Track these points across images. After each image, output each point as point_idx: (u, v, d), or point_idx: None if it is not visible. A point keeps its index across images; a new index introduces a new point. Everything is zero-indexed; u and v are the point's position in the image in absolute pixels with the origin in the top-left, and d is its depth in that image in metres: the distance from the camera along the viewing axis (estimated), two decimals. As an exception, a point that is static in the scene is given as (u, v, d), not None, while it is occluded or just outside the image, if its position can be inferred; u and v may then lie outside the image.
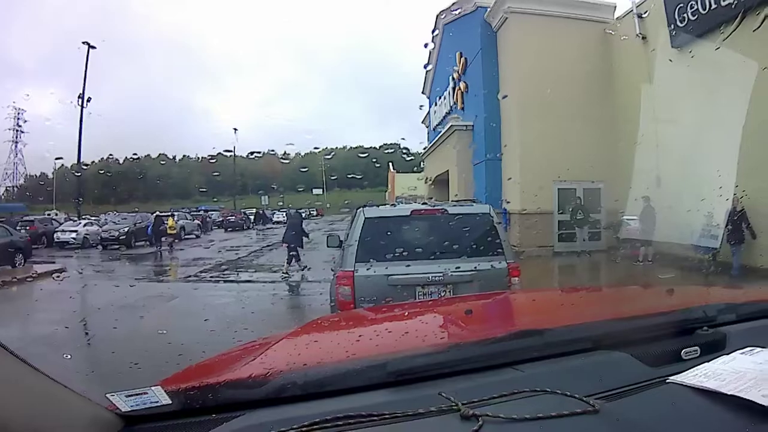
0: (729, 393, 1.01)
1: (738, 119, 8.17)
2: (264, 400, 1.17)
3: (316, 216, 75.88)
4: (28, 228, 29.06)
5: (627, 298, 2.51)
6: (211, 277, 18.41)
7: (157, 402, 1.17)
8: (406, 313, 2.55)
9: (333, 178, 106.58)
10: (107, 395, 1.17)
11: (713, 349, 1.32)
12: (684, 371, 1.16)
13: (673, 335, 1.39)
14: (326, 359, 1.42)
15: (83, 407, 1.09)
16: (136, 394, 1.18)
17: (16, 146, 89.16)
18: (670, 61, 12.57)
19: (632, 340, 1.34)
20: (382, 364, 1.25)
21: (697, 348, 1.33)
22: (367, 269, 6.08)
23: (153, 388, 1.20)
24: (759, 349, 1.22)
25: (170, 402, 1.18)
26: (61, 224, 33.55)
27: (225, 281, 17.52)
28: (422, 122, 40.66)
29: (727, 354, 1.24)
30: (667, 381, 1.13)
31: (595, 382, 1.13)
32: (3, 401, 0.86)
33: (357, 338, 1.98)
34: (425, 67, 33.94)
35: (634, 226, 14.05)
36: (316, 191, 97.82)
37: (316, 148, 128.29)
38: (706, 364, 1.20)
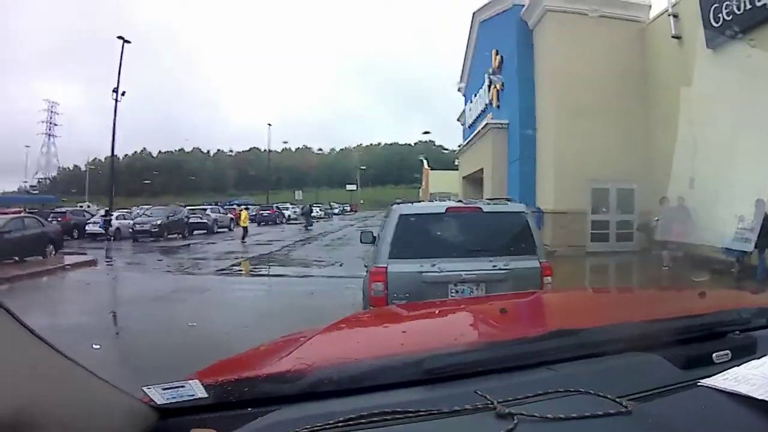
0: (760, 398, 1.01)
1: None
2: (299, 395, 1.18)
3: (350, 212, 75.73)
4: (60, 219, 29.18)
5: (659, 300, 2.52)
6: (248, 269, 18.65)
7: (193, 395, 1.18)
8: (440, 311, 2.57)
9: (367, 174, 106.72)
10: (143, 388, 1.19)
11: (744, 353, 1.32)
12: (715, 374, 1.15)
13: (704, 338, 1.40)
14: (361, 355, 1.42)
15: (119, 400, 1.09)
16: (173, 388, 1.19)
17: (49, 139, 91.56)
18: (706, 62, 12.43)
19: (664, 343, 1.36)
20: (418, 361, 1.26)
21: (728, 352, 1.33)
22: (401, 265, 6.07)
23: (190, 381, 1.22)
24: None
25: (206, 395, 1.19)
26: (93, 216, 33.80)
27: (257, 275, 17.68)
28: (458, 120, 40.59)
29: (758, 358, 1.23)
30: (699, 384, 1.12)
31: (627, 384, 1.14)
32: (40, 393, 0.86)
33: (392, 335, 1.99)
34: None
35: (667, 228, 13.93)
36: (350, 187, 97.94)
37: (350, 144, 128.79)
38: (736, 368, 1.18)
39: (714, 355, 1.32)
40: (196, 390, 1.18)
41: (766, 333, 1.47)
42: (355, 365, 1.28)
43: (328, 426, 0.96)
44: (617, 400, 1.02)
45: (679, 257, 13.71)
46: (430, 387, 1.20)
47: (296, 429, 0.96)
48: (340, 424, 0.96)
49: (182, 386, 1.19)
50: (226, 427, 1.04)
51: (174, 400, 1.17)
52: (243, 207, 40.92)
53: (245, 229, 29.74)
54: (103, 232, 30.47)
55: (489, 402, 1.03)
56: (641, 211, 17.61)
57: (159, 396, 1.16)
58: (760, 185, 9.14)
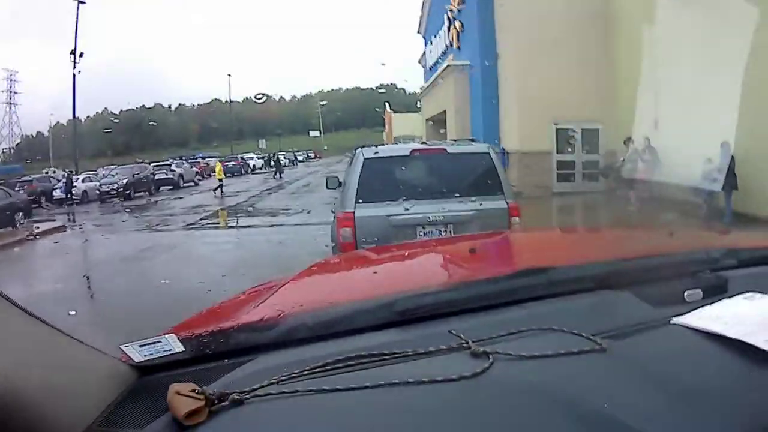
0: (732, 336, 1.02)
1: (739, 63, 8.06)
2: (275, 343, 1.18)
3: (314, 159, 75.35)
4: (26, 187, 28.77)
5: (628, 239, 2.51)
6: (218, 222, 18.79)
7: (170, 350, 1.18)
8: (410, 253, 2.56)
9: (329, 119, 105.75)
10: (120, 346, 1.18)
11: (715, 292, 1.32)
12: (686, 313, 1.16)
13: (675, 277, 1.40)
14: (334, 300, 1.43)
15: (98, 361, 1.10)
16: (150, 344, 1.18)
17: (11, 108, 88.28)
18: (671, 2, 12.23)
19: (635, 281, 1.36)
20: (390, 303, 1.26)
21: (699, 290, 1.33)
22: (368, 210, 6.08)
23: (166, 336, 1.21)
24: (760, 295, 1.23)
25: (183, 349, 1.19)
26: (59, 181, 33.24)
27: (226, 227, 17.95)
28: (418, 62, 40.04)
29: (729, 298, 1.24)
30: (671, 322, 1.14)
31: (600, 321, 1.14)
32: (19, 358, 0.87)
33: (363, 278, 2.00)
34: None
35: (633, 168, 14.00)
36: (313, 134, 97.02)
37: (311, 91, 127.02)
38: (708, 306, 1.20)
39: (685, 293, 1.32)
40: (172, 344, 1.18)
41: (736, 273, 1.47)
42: (329, 310, 1.28)
43: (305, 372, 0.97)
44: (591, 337, 1.03)
45: (645, 198, 13.85)
46: (403, 329, 1.21)
47: (273, 377, 0.96)
48: (316, 370, 0.97)
49: (158, 341, 1.18)
50: (204, 379, 1.02)
51: (151, 357, 1.16)
52: (217, 160, 40.97)
53: (220, 181, 29.44)
54: (65, 197, 30.07)
55: (463, 341, 1.04)
56: (607, 151, 17.70)
57: (136, 353, 1.16)
58: (725, 127, 9.11)
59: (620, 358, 0.99)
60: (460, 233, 5.75)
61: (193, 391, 0.92)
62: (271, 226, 16.18)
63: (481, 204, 6.18)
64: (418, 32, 37.16)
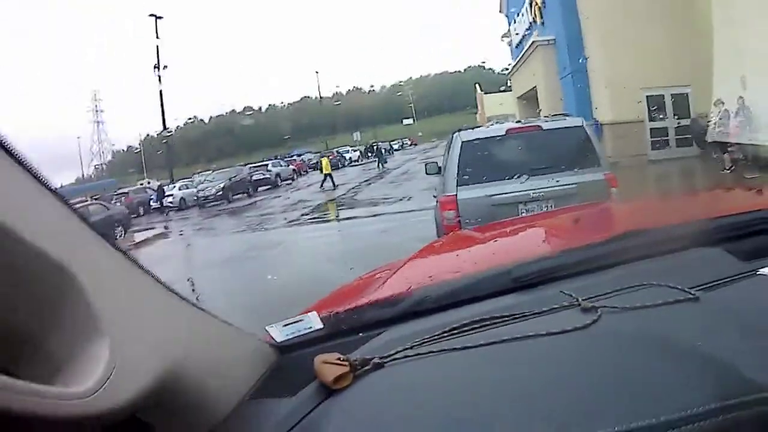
0: None
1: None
2: (403, 315, 1.25)
3: (410, 146, 75.12)
4: (123, 200, 29.25)
5: (720, 199, 2.57)
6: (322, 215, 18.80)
7: (310, 328, 1.25)
8: (516, 228, 2.68)
9: (421, 106, 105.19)
10: (266, 327, 1.27)
11: None
12: None
13: (763, 232, 1.46)
14: (453, 274, 1.52)
15: (244, 342, 1.16)
16: (292, 323, 1.27)
17: (98, 126, 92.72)
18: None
19: (725, 237, 1.42)
20: (507, 271, 1.35)
21: None
22: (469, 192, 6.19)
23: (308, 314, 1.29)
24: None
25: (322, 326, 1.26)
26: (154, 192, 33.89)
27: (328, 221, 17.86)
28: (502, 39, 39.51)
29: None
30: (758, 273, 1.19)
31: (694, 276, 1.19)
32: (185, 342, 0.91)
33: (476, 253, 2.10)
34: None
35: (725, 130, 13.65)
36: (406, 122, 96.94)
37: (400, 80, 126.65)
38: None
39: None
40: (313, 322, 1.27)
41: None
42: (450, 282, 1.38)
43: (435, 336, 1.03)
44: (686, 290, 1.09)
45: (739, 159, 13.49)
46: (519, 293, 1.29)
47: (407, 343, 1.03)
48: (445, 334, 1.04)
49: (301, 320, 1.28)
50: (343, 352, 1.07)
51: (292, 335, 1.25)
52: (321, 155, 40.47)
53: (329, 175, 29.22)
54: (159, 206, 30.60)
55: (574, 300, 1.11)
56: (697, 114, 17.20)
57: (279, 333, 1.25)
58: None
59: (712, 305, 1.05)
60: (561, 207, 5.66)
61: (338, 359, 1.00)
62: (374, 216, 16.20)
63: (579, 177, 6.21)
64: (500, 11, 36.71)
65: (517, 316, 1.09)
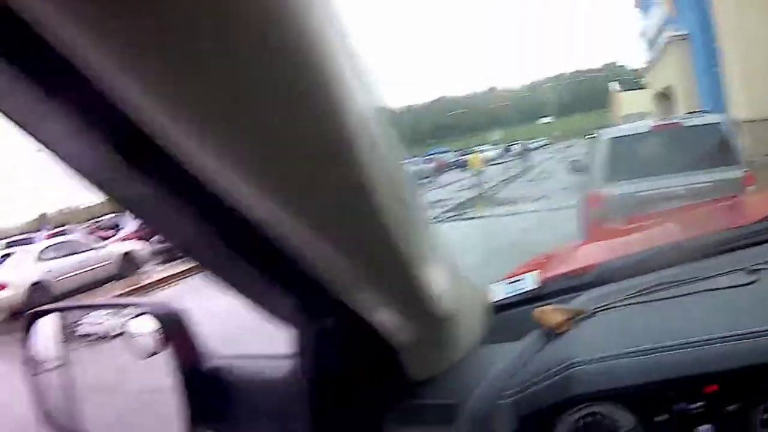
0: None
1: None
2: (593, 282, 1.31)
3: (546, 146, 73.66)
4: None
5: None
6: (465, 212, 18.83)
7: (525, 288, 1.33)
8: (666, 219, 2.75)
9: (556, 105, 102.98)
10: (490, 285, 1.34)
11: None
12: None
13: None
14: (628, 251, 1.60)
15: (477, 296, 1.22)
16: (514, 282, 1.34)
17: None
18: None
19: None
20: (678, 245, 1.44)
21: None
22: (616, 188, 6.25)
23: (527, 274, 1.37)
24: None
25: (536, 287, 1.33)
26: None
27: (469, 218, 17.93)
28: (640, 36, 38.60)
29: None
30: None
31: None
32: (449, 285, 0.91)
33: (640, 237, 2.18)
34: None
35: None
36: (544, 120, 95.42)
37: (535, 79, 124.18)
38: None
39: None
40: (530, 282, 1.34)
41: None
42: (629, 257, 1.47)
43: (635, 293, 1.10)
44: None
45: None
46: (689, 265, 1.30)
47: (606, 303, 1.09)
48: (635, 294, 1.10)
49: (520, 279, 1.35)
50: None
51: (511, 293, 1.32)
52: (474, 152, 37.58)
53: (480, 172, 28.92)
54: None
55: (739, 267, 1.13)
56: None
57: (501, 291, 1.32)
58: None
59: None
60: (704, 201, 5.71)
61: (557, 310, 1.06)
62: (515, 214, 16.14)
63: (717, 174, 6.17)
64: (635, 6, 35.91)
65: (696, 278, 1.14)
